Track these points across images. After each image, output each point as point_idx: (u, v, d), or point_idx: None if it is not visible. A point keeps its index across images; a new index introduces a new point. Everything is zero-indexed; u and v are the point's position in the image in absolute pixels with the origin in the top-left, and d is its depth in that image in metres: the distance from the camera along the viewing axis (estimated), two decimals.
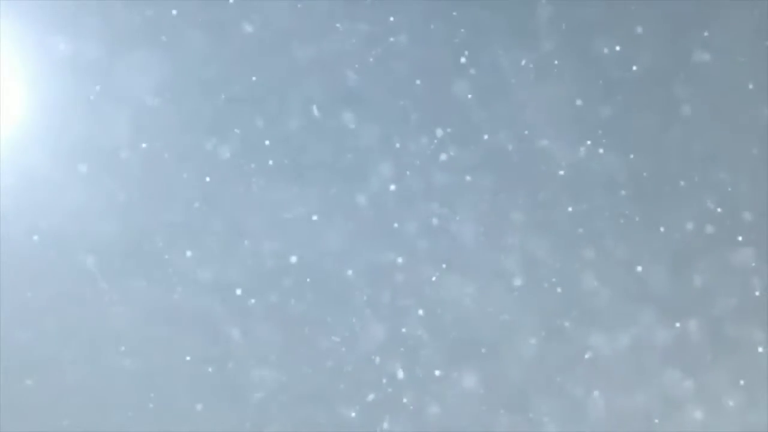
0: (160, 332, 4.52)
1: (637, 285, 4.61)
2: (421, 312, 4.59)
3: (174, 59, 4.57)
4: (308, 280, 4.59)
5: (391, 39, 4.66)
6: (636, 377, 4.59)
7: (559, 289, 4.62)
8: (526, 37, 4.67)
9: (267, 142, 4.62)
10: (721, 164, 4.65)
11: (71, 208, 4.53)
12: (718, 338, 4.59)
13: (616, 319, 4.60)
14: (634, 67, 4.66)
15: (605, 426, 4.56)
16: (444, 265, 4.62)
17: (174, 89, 4.57)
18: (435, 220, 4.65)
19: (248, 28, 4.62)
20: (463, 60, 4.66)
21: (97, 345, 4.51)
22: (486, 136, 4.66)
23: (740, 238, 4.60)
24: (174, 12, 4.55)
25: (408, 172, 4.64)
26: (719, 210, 4.64)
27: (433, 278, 4.62)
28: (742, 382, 4.56)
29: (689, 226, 4.63)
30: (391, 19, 4.64)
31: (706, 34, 4.66)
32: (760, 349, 4.54)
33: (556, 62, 4.67)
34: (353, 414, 4.55)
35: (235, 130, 4.60)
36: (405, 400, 4.56)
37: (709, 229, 4.63)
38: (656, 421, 4.56)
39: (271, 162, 4.62)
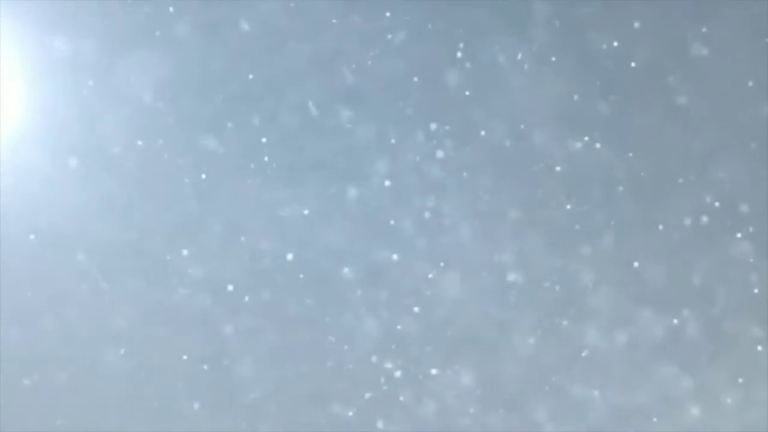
0: (157, 331, 4.53)
1: (635, 283, 4.59)
2: (417, 309, 4.58)
3: (172, 59, 4.57)
4: (304, 278, 4.59)
5: (389, 36, 4.65)
6: (634, 375, 4.57)
7: (556, 287, 4.60)
8: (523, 33, 4.64)
9: (264, 140, 4.62)
10: (720, 161, 4.62)
11: (70, 207, 4.54)
12: (717, 336, 4.56)
13: (614, 317, 4.57)
14: (632, 63, 4.64)
15: (603, 424, 4.54)
16: (441, 263, 4.61)
17: (171, 88, 4.58)
18: (431, 218, 4.64)
19: (245, 27, 4.62)
20: (459, 56, 4.64)
21: (95, 344, 4.52)
22: (483, 133, 4.64)
23: (739, 235, 4.57)
24: (171, 9, 4.56)
25: (404, 170, 4.63)
26: (717, 206, 4.61)
27: (430, 276, 4.61)
28: (740, 380, 4.53)
29: (687, 222, 4.60)
30: (388, 14, 4.63)
31: (704, 29, 4.63)
32: (759, 347, 4.51)
33: (553, 58, 4.64)
34: (350, 413, 4.54)
35: (232, 128, 4.60)
36: (402, 399, 4.55)
37: (708, 226, 4.60)
38: (654, 419, 4.54)
39: (267, 159, 4.62)
